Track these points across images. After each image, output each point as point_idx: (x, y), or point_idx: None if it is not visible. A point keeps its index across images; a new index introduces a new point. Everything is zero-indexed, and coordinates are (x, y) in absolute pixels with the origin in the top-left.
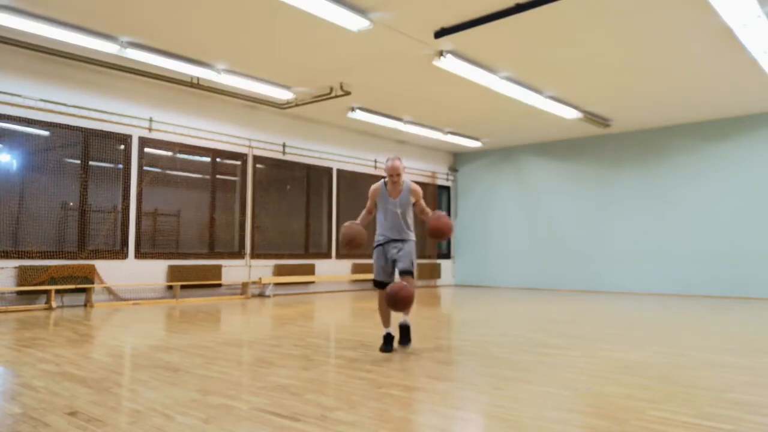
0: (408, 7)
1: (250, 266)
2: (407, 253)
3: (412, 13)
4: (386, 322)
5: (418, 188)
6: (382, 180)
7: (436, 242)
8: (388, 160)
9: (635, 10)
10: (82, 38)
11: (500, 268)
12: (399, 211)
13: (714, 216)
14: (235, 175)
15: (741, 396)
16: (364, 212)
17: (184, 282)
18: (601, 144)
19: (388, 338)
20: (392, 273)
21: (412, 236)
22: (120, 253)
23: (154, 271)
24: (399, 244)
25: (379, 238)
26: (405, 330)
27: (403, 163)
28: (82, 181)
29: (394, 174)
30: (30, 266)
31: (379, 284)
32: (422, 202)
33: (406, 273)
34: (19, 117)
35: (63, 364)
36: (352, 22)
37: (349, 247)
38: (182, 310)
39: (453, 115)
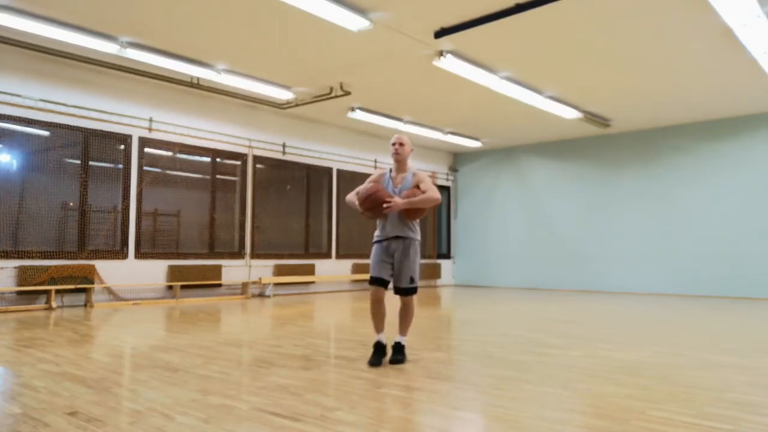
0: (408, 7)
1: (250, 266)
2: (409, 265)
3: (412, 13)
4: (379, 326)
5: (424, 174)
6: (388, 169)
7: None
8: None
9: (635, 10)
10: (82, 38)
11: (500, 268)
12: None
13: (714, 216)
14: (235, 175)
15: (741, 396)
16: (353, 193)
17: (184, 282)
18: (601, 144)
19: (378, 348)
20: (392, 272)
21: (415, 235)
22: (120, 253)
23: (154, 271)
24: (400, 245)
25: (379, 235)
26: (398, 349)
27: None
28: (82, 181)
29: (397, 143)
30: (30, 266)
31: (376, 281)
32: (426, 185)
33: (406, 293)
34: (19, 117)
35: (63, 364)
36: (352, 22)
37: (370, 205)
38: (182, 310)
39: (453, 115)
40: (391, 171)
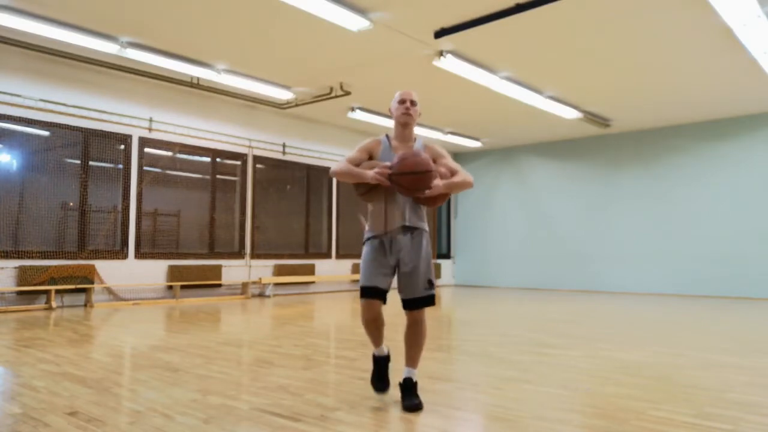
0: (408, 7)
1: (250, 266)
2: (424, 263)
3: (412, 13)
4: (377, 340)
5: (439, 146)
6: (385, 135)
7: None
8: (401, 93)
9: (635, 10)
10: (82, 38)
11: (500, 268)
12: None
13: (714, 216)
14: (235, 175)
15: (741, 396)
16: (346, 163)
17: (184, 282)
18: (601, 144)
19: (380, 363)
20: (392, 279)
21: (426, 226)
22: (120, 253)
23: (154, 271)
24: (408, 239)
25: (375, 228)
26: (410, 388)
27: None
28: (82, 181)
29: (409, 100)
30: (30, 266)
31: (370, 291)
32: (449, 161)
33: (423, 303)
34: (19, 117)
35: (63, 364)
36: (352, 22)
37: (411, 184)
38: (182, 310)
39: (453, 115)
40: (389, 139)
